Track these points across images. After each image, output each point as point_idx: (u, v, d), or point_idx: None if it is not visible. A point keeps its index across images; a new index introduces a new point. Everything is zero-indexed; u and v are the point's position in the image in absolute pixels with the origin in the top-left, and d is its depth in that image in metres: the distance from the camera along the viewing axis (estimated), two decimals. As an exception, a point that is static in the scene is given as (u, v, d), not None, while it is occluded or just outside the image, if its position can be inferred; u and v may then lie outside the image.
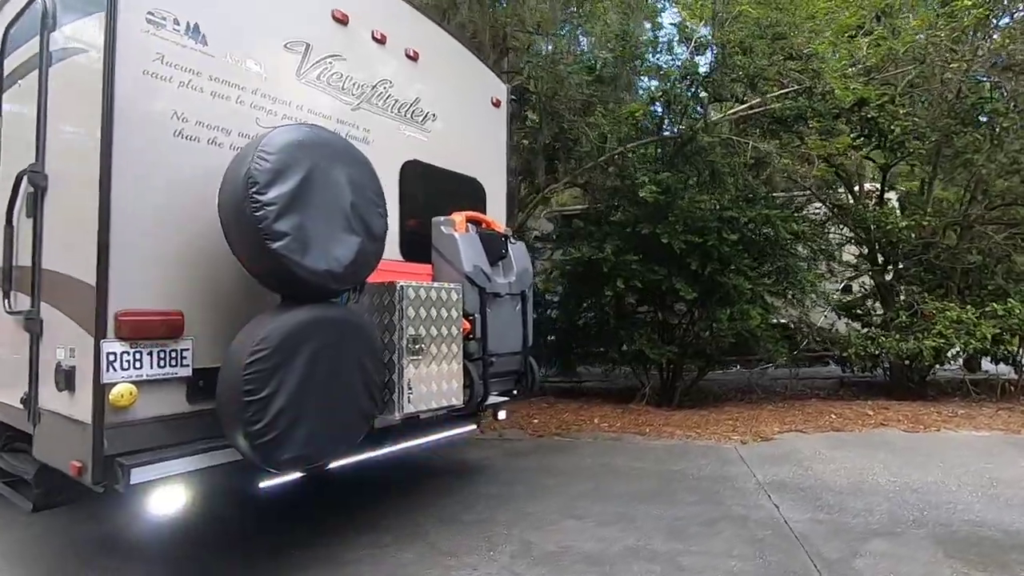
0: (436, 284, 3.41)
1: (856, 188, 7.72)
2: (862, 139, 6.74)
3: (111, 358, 2.47)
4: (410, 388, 3.16)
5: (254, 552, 3.37)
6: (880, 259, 7.32)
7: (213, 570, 3.22)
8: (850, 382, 8.25)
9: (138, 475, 2.47)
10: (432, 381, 3.31)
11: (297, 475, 2.92)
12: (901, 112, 6.13)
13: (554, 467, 4.85)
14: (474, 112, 4.77)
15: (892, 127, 6.13)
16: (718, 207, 6.11)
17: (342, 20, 3.60)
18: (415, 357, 3.20)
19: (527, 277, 4.27)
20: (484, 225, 4.21)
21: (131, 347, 2.53)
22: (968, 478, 4.29)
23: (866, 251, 7.41)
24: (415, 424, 3.43)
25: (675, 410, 6.71)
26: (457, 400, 3.49)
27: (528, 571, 3.06)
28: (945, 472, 4.43)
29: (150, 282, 2.62)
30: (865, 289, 7.80)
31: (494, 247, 4.06)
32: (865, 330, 6.91)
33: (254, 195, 2.44)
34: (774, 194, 7.21)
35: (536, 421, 6.41)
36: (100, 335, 2.46)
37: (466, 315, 3.66)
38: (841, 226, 7.51)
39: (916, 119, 6.16)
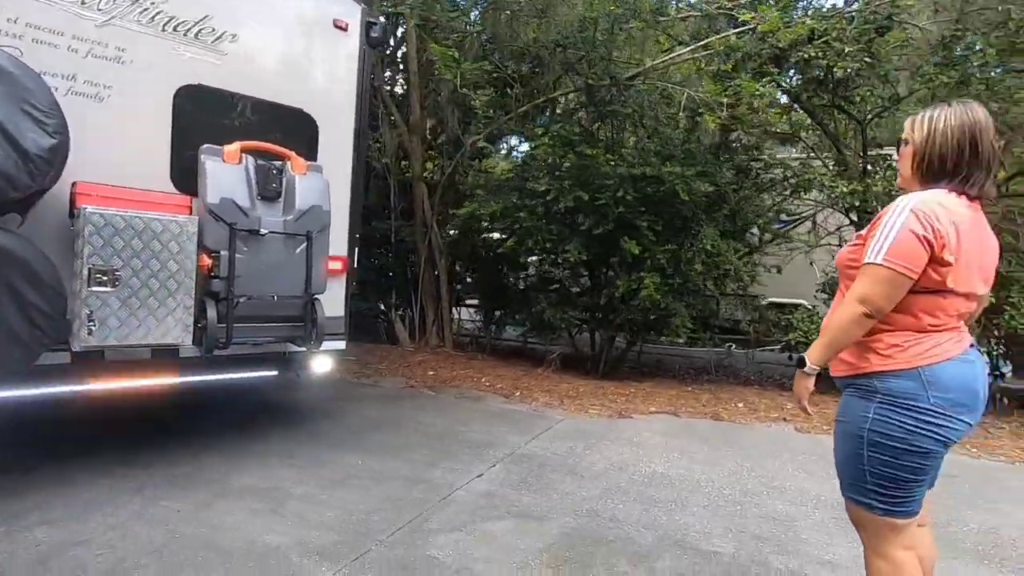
0: (147, 214, 3.19)
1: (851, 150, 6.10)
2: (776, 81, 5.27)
3: None
4: (91, 321, 3.01)
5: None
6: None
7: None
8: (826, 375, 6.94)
9: None
10: (133, 316, 3.14)
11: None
12: (847, 50, 4.70)
13: (370, 416, 4.70)
14: (303, 34, 4.35)
15: (835, 67, 4.75)
16: (623, 164, 5.26)
17: (84, -77, 3.35)
18: (102, 288, 3.03)
19: (317, 216, 3.90)
20: (286, 159, 3.89)
21: None
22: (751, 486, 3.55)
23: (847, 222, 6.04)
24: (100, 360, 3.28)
25: (586, 380, 6.13)
26: (178, 339, 3.31)
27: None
28: (737, 477, 3.71)
29: None
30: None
31: (268, 182, 3.74)
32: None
33: None
34: (753, 155, 6.09)
35: (432, 373, 6.16)
36: None
37: (210, 251, 3.43)
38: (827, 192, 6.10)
39: (876, 61, 4.74)
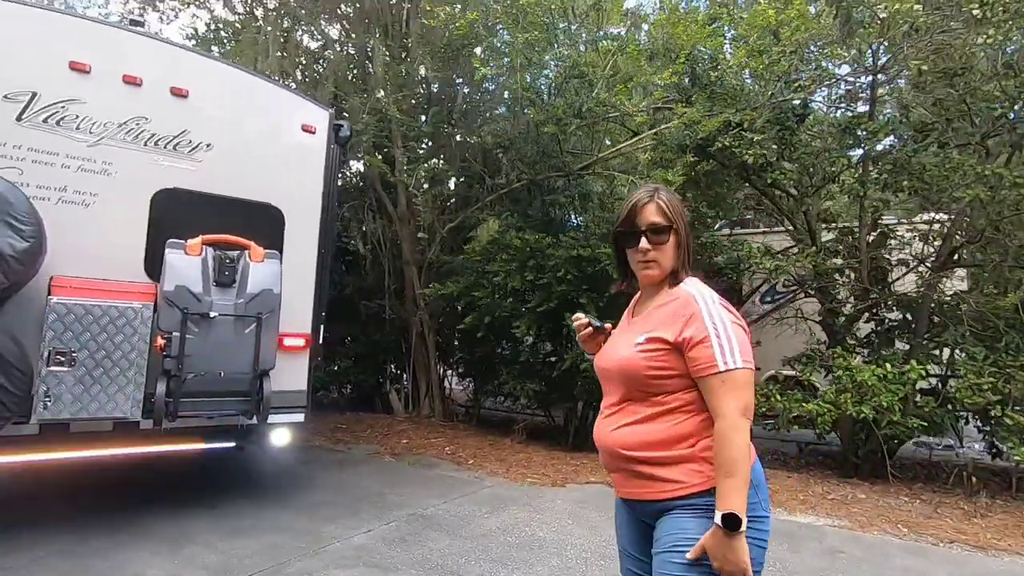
0: (101, 301, 3.69)
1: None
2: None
3: None
4: (48, 396, 3.44)
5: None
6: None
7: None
8: (816, 451, 6.75)
9: None
10: (86, 392, 3.57)
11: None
12: (755, 139, 4.98)
13: (314, 478, 5.12)
14: (273, 139, 4.97)
15: (745, 154, 5.02)
16: (563, 247, 5.62)
17: (81, 69, 4.08)
18: (59, 368, 3.49)
19: (267, 299, 4.33)
20: (245, 248, 4.39)
21: None
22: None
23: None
24: (65, 431, 3.69)
25: (551, 450, 6.18)
26: (127, 413, 3.70)
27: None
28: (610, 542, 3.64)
29: None
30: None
31: (223, 270, 4.21)
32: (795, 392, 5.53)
33: None
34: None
35: (405, 442, 6.41)
36: None
37: (164, 333, 3.87)
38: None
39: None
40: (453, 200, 7.59)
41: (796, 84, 5.14)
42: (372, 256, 8.38)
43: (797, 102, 5.22)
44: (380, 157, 7.22)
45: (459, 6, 6.42)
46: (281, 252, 4.65)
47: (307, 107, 5.27)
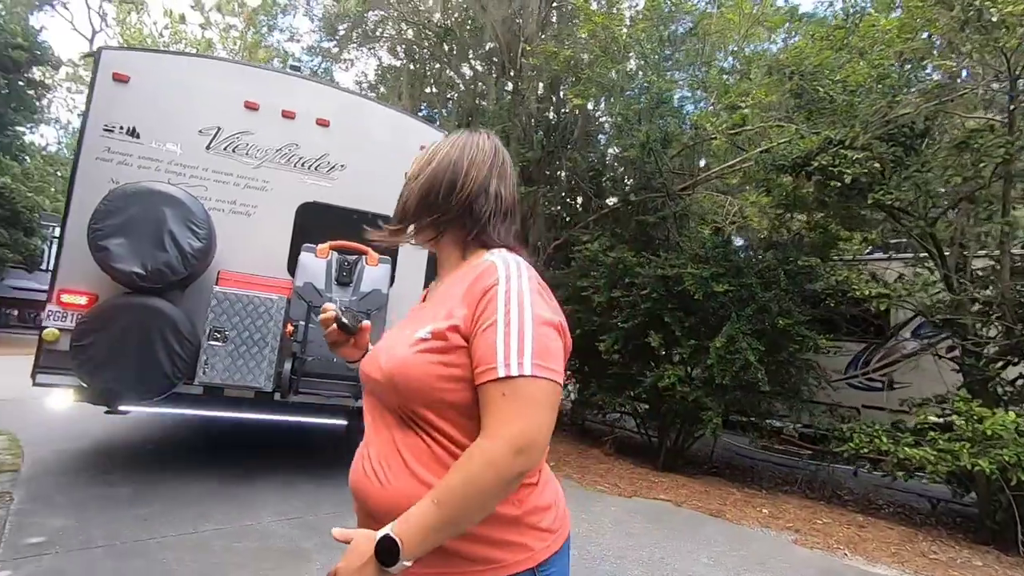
0: (252, 292, 4.59)
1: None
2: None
3: (50, 314, 4.42)
4: (207, 364, 4.40)
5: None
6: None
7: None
8: (951, 510, 5.83)
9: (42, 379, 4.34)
10: (234, 364, 4.48)
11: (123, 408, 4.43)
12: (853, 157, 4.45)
13: None
14: (394, 159, 5.71)
15: (845, 173, 4.50)
16: (652, 264, 5.60)
17: (253, 107, 5.13)
18: (215, 343, 4.43)
19: (376, 298, 5.03)
20: (364, 254, 5.16)
21: (63, 308, 4.44)
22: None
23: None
24: (221, 394, 4.63)
25: (634, 466, 6.14)
26: (262, 384, 4.57)
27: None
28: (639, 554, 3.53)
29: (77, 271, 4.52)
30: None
31: (342, 271, 4.98)
32: (876, 425, 4.89)
33: (91, 224, 4.11)
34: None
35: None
36: (47, 300, 4.44)
37: (293, 321, 4.71)
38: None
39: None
40: (559, 219, 8.01)
41: (917, 92, 4.64)
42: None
43: (908, 112, 4.69)
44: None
45: (565, 41, 6.87)
46: (395, 258, 5.36)
47: (424, 130, 5.99)
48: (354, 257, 5.12)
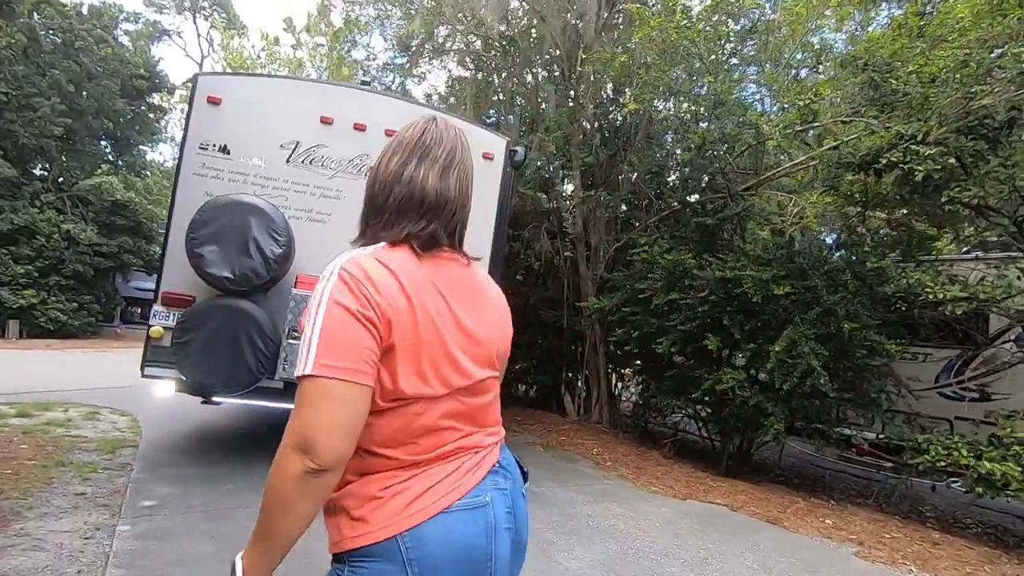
0: None
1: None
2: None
3: (155, 313, 5.05)
4: (286, 361, 4.84)
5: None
6: None
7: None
8: None
9: (149, 371, 4.97)
10: (309, 358, 4.90)
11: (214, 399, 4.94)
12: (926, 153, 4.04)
13: None
14: (459, 166, 5.99)
15: (916, 170, 4.11)
16: (711, 267, 5.44)
17: (327, 122, 5.57)
18: (294, 341, 4.87)
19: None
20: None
21: (166, 309, 5.07)
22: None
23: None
24: None
25: (694, 470, 6.02)
26: (334, 378, 4.95)
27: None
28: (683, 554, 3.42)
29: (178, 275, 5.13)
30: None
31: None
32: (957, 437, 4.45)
33: (188, 234, 4.66)
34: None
35: (562, 438, 6.88)
36: (153, 301, 5.08)
37: (363, 320, 5.09)
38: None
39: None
40: (620, 221, 8.01)
41: (1001, 81, 4.22)
42: (553, 271, 9.22)
43: (987, 102, 4.27)
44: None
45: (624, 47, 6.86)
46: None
47: (488, 137, 6.20)
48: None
